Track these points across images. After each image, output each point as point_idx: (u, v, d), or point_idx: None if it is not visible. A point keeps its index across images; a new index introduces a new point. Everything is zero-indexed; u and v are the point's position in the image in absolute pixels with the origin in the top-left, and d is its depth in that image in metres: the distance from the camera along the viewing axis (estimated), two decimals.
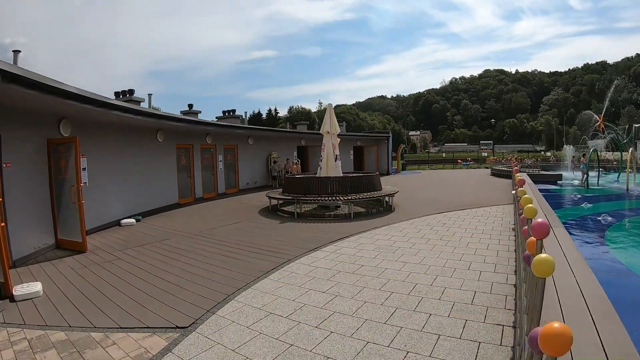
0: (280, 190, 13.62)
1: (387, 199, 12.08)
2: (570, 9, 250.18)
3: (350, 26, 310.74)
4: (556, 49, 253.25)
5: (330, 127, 12.70)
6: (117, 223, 10.82)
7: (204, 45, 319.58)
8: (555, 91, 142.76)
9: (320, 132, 13.15)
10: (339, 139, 13.34)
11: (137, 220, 11.23)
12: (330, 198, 11.10)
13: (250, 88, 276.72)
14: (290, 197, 11.31)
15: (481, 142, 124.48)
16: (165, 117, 11.60)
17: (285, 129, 20.80)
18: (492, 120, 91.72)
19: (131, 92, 14.80)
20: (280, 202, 12.20)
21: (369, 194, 11.78)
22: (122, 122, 10.96)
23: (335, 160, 12.78)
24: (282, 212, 11.94)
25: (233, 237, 8.77)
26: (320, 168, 12.78)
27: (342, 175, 12.57)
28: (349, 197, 11.10)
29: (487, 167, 37.45)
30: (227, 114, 21.57)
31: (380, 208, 11.90)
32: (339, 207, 11.88)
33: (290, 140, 22.89)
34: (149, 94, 15.06)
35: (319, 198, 11.11)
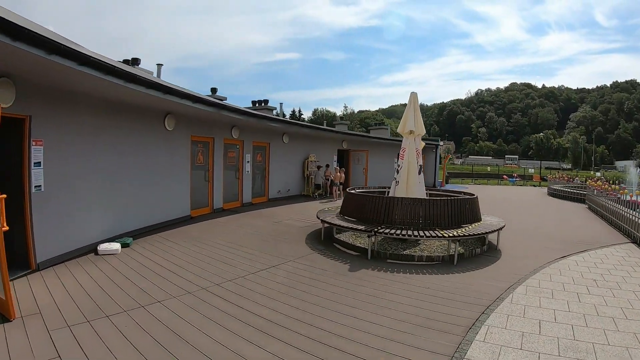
0: (328, 204, 9.71)
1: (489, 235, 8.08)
2: (596, 25, 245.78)
3: (375, 33, 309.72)
4: (581, 65, 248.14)
5: (415, 125, 8.72)
6: (94, 249, 7.00)
7: (228, 44, 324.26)
8: (583, 108, 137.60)
9: (398, 131, 9.15)
10: (423, 144, 9.36)
11: (125, 245, 7.38)
12: (428, 232, 7.08)
13: (273, 89, 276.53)
14: (363, 228, 7.26)
15: (506, 156, 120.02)
16: (178, 93, 7.73)
17: (330, 128, 16.82)
18: (541, 134, 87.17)
19: (136, 60, 10.99)
20: (332, 225, 8.15)
21: (473, 226, 7.81)
22: (111, 96, 7.16)
23: (419, 173, 8.78)
24: (341, 244, 7.96)
25: (283, 307, 4.76)
26: (397, 183, 8.76)
27: (436, 197, 8.60)
28: (457, 234, 7.08)
29: (534, 185, 33.29)
30: (258, 105, 17.74)
31: (484, 247, 7.97)
32: (418, 241, 7.95)
33: (331, 142, 18.90)
34: (158, 64, 11.25)
35: (412, 232, 7.07)
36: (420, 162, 8.88)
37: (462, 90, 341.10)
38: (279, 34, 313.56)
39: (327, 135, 17.74)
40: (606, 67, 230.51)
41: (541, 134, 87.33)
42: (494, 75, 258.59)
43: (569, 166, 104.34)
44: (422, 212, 7.54)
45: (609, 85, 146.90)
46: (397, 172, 8.86)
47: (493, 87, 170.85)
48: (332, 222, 7.84)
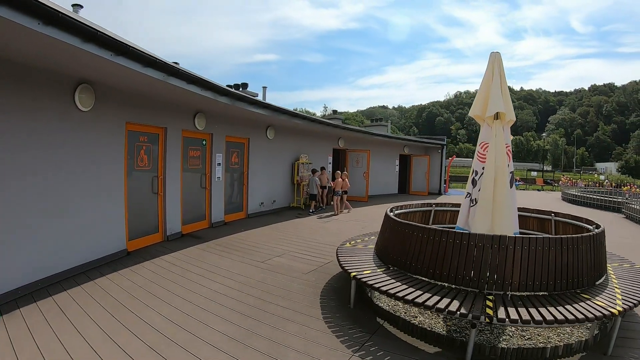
0: (333, 222, 5.98)
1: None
2: (572, 32, 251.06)
3: (354, 36, 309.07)
4: (557, 70, 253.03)
5: (505, 104, 5.12)
6: None
7: (209, 45, 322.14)
8: (562, 111, 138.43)
9: (472, 115, 5.51)
10: (510, 136, 5.76)
11: None
12: (577, 306, 3.43)
13: (252, 90, 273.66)
14: (462, 311, 3.43)
15: None
16: (74, 28, 3.86)
17: (328, 121, 12.97)
18: (550, 137, 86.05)
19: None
20: (363, 278, 4.23)
21: (615, 280, 4.35)
22: None
23: (511, 185, 5.13)
24: (389, 319, 4.24)
25: None
26: (473, 202, 5.11)
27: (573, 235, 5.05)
28: (627, 304, 3.50)
29: (538, 189, 30.48)
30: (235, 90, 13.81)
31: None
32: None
33: (326, 140, 15.13)
34: (74, 5, 7.31)
35: (557, 311, 3.38)
36: (512, 168, 5.25)
37: (440, 93, 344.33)
38: (259, 35, 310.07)
39: (322, 131, 13.96)
40: (581, 72, 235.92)
41: (550, 136, 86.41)
42: (471, 79, 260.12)
43: (549, 168, 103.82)
44: (557, 261, 3.90)
45: (586, 88, 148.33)
46: (474, 183, 5.20)
47: (471, 89, 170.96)
48: (385, 288, 3.96)
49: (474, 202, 5.12)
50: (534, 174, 39.42)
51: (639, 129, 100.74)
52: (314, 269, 6.02)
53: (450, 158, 25.75)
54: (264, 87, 15.17)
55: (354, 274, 4.24)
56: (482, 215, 4.95)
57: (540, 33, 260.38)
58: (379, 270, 4.38)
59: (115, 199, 6.45)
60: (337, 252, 5.20)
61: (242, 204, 10.80)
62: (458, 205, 7.02)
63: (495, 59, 5.34)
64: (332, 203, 13.44)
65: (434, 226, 4.57)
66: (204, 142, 9.03)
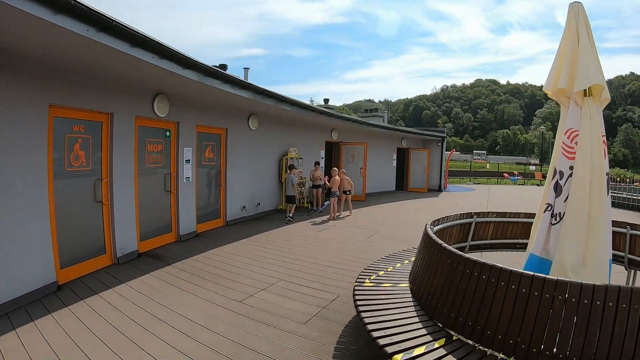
0: (330, 230, 4.45)
1: None
2: (558, 26, 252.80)
3: (341, 30, 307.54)
4: (543, 64, 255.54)
5: (599, 75, 3.40)
6: None
7: (194, 39, 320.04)
8: (549, 104, 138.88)
9: (547, 90, 3.77)
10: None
11: None
12: None
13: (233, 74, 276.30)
14: None
15: (474, 151, 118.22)
16: None
17: (322, 109, 11.08)
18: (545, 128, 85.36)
19: None
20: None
21: None
22: None
23: (608, 193, 3.42)
24: None
25: None
26: (556, 217, 3.40)
27: None
28: None
29: (537, 184, 29.07)
30: None
31: None
32: None
33: (317, 132, 13.33)
34: None
35: None
36: (607, 167, 3.54)
37: (426, 87, 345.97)
38: (245, 29, 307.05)
39: (314, 121, 12.14)
40: None
41: (537, 129, 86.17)
42: (457, 73, 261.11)
43: (537, 161, 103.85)
44: None
45: None
46: (558, 189, 3.48)
47: (458, 83, 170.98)
48: None
49: (558, 218, 3.41)
50: (532, 167, 38.15)
51: (626, 123, 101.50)
52: (315, 312, 4.23)
53: (449, 151, 24.15)
54: (246, 69, 13.19)
55: (398, 356, 2.46)
56: (573, 237, 3.28)
57: (526, 28, 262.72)
58: (436, 343, 2.59)
59: (36, 212, 4.58)
60: (355, 299, 3.40)
61: (219, 208, 8.94)
62: (504, 214, 5.34)
63: (578, 12, 3.60)
64: (326, 203, 11.74)
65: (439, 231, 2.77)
66: (168, 134, 7.14)
